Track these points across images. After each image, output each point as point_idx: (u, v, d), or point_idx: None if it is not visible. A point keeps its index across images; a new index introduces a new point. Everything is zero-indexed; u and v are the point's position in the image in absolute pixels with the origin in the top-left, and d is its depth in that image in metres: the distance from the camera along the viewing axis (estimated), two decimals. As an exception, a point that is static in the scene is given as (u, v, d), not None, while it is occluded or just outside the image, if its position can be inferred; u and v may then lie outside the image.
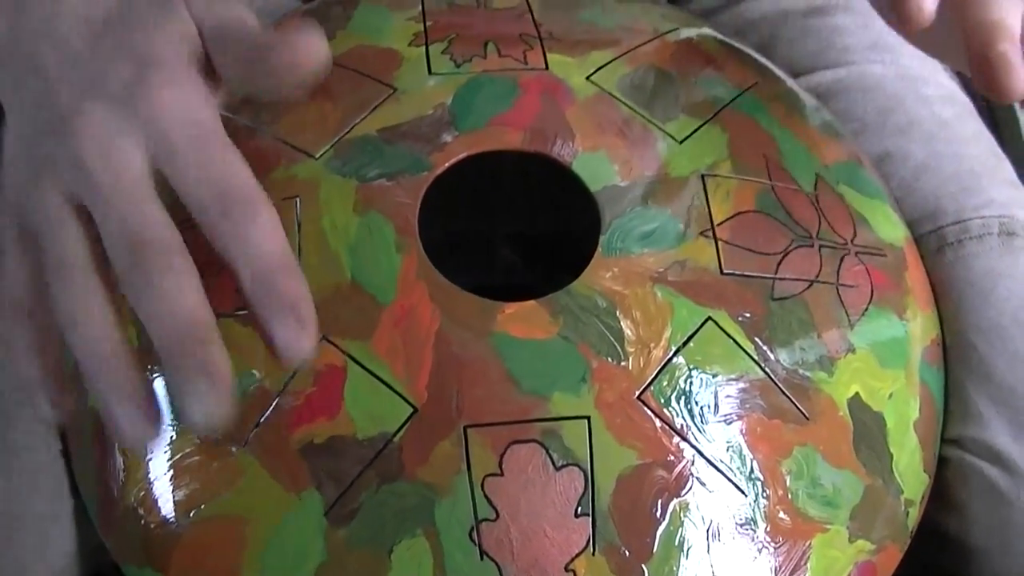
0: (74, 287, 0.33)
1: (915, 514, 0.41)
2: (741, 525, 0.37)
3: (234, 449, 0.37)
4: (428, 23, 0.45)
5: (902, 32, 0.40)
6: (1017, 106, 0.61)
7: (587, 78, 0.44)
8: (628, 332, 0.38)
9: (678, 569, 0.36)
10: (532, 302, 0.38)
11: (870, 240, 0.43)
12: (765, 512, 0.37)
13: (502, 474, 0.36)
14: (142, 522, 0.38)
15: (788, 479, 0.38)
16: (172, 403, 0.35)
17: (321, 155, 0.41)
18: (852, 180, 0.45)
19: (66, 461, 0.42)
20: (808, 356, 0.39)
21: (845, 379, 0.40)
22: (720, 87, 0.45)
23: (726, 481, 0.37)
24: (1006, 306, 0.45)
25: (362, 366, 0.37)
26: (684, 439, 0.37)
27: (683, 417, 0.37)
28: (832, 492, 0.38)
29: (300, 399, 0.37)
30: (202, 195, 0.33)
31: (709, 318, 0.39)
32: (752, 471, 0.37)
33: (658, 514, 0.36)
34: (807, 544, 0.38)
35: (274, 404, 0.37)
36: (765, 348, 0.39)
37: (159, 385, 0.37)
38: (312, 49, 0.34)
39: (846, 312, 0.41)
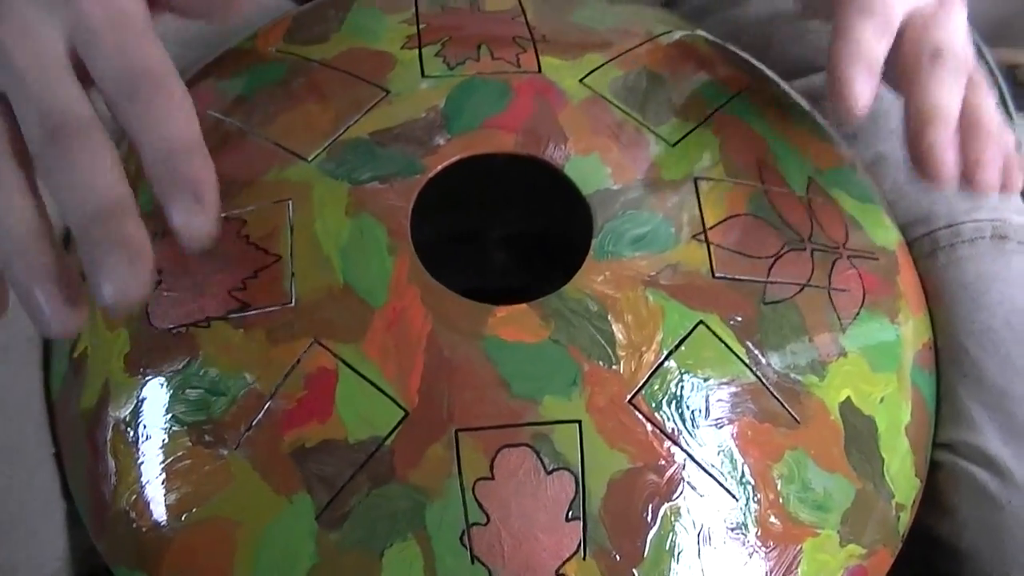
0: None
1: (906, 518, 0.41)
2: (732, 529, 0.37)
3: (225, 452, 0.37)
4: (422, 25, 0.45)
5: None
6: (1014, 111, 0.61)
7: (580, 81, 0.44)
8: (619, 336, 0.38)
9: (669, 573, 0.36)
10: (523, 305, 0.38)
11: (862, 244, 0.43)
12: (756, 516, 0.37)
13: (493, 478, 0.36)
14: (134, 525, 0.38)
15: (779, 483, 0.38)
16: (88, 281, 0.32)
17: (314, 158, 0.41)
18: (844, 183, 0.45)
19: (59, 464, 0.42)
20: (799, 360, 0.39)
21: (836, 383, 0.40)
22: (713, 90, 0.45)
23: (717, 485, 0.37)
24: (998, 310, 0.45)
25: (353, 369, 0.37)
26: (675, 443, 0.37)
27: (674, 421, 0.37)
28: (823, 496, 0.38)
29: (291, 402, 0.37)
30: (113, 75, 0.33)
31: (701, 322, 0.39)
32: (743, 475, 0.37)
33: (649, 518, 0.36)
34: (798, 548, 0.38)
35: (265, 407, 0.37)
36: (756, 352, 0.39)
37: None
38: None
39: (838, 316, 0.41)
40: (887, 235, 0.45)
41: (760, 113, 0.45)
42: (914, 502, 0.42)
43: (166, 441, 0.38)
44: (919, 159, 0.39)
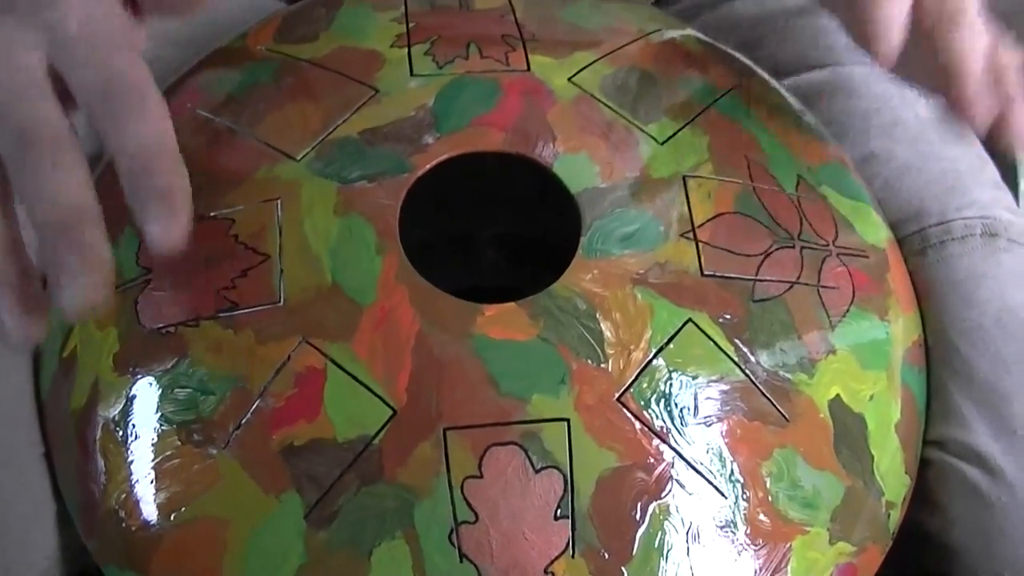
0: None
1: (896, 516, 0.41)
2: (721, 527, 0.37)
3: (214, 451, 0.37)
4: (411, 24, 0.45)
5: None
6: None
7: (569, 79, 0.44)
8: (608, 334, 0.38)
9: (658, 571, 0.36)
10: (512, 304, 0.38)
11: (852, 242, 0.43)
12: (745, 514, 0.37)
13: (481, 476, 0.36)
14: (123, 524, 0.38)
15: (768, 481, 0.38)
16: (49, 287, 0.33)
17: (303, 157, 0.41)
18: (835, 181, 0.45)
19: (48, 463, 0.42)
20: (789, 358, 0.39)
21: (826, 381, 0.40)
22: (703, 88, 0.45)
23: (706, 483, 0.37)
24: (988, 307, 0.45)
25: (342, 368, 0.37)
26: (664, 441, 0.37)
27: (663, 419, 0.37)
28: (812, 494, 0.38)
29: (280, 401, 0.37)
30: (87, 83, 0.34)
31: (689, 320, 0.39)
32: (732, 473, 0.37)
33: (638, 516, 0.36)
34: (787, 546, 0.38)
35: (254, 406, 0.37)
36: (745, 350, 0.39)
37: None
38: None
39: (827, 314, 0.41)
40: (877, 233, 0.45)
41: (750, 111, 0.45)
42: (904, 500, 0.42)
43: (155, 440, 0.38)
44: (956, 106, 0.39)
